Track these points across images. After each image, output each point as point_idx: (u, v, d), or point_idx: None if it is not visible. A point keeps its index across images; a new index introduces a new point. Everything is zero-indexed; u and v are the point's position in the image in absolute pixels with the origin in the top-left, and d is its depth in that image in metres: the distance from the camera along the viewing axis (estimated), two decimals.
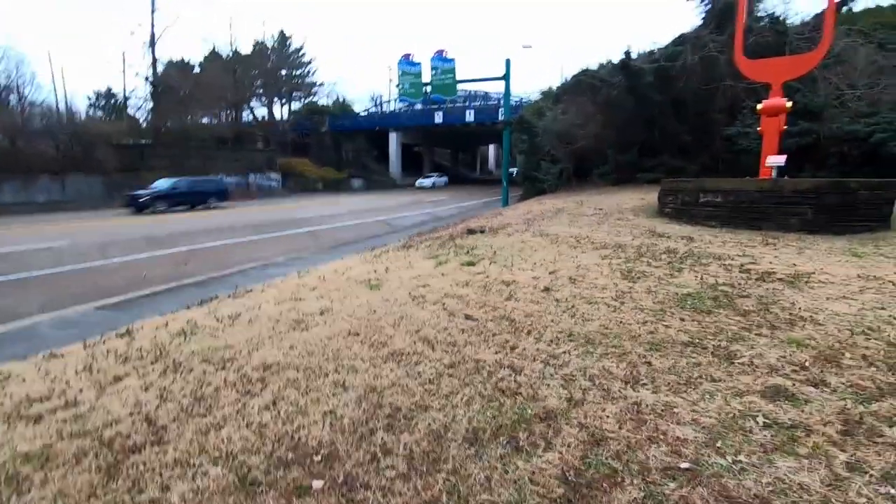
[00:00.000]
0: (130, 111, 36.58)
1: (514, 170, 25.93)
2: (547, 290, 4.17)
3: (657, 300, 3.80)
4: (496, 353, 2.95)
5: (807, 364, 2.73)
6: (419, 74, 20.95)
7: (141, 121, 35.51)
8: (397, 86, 21.57)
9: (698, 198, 7.10)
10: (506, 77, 20.77)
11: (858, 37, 11.95)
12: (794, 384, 2.52)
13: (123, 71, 45.27)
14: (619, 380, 2.59)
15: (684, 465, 1.93)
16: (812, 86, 10.11)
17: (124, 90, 36.45)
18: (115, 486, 1.83)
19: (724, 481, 1.84)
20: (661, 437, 2.11)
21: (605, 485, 1.80)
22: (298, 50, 47.29)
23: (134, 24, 40.06)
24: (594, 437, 2.11)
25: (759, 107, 7.62)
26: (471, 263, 5.34)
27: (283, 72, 46.62)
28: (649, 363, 2.78)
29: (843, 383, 2.51)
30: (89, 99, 38.20)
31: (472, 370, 2.73)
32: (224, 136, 35.86)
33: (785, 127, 7.65)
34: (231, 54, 40.83)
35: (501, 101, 28.07)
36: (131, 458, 2.01)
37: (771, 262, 4.76)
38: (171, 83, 34.40)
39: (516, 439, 2.10)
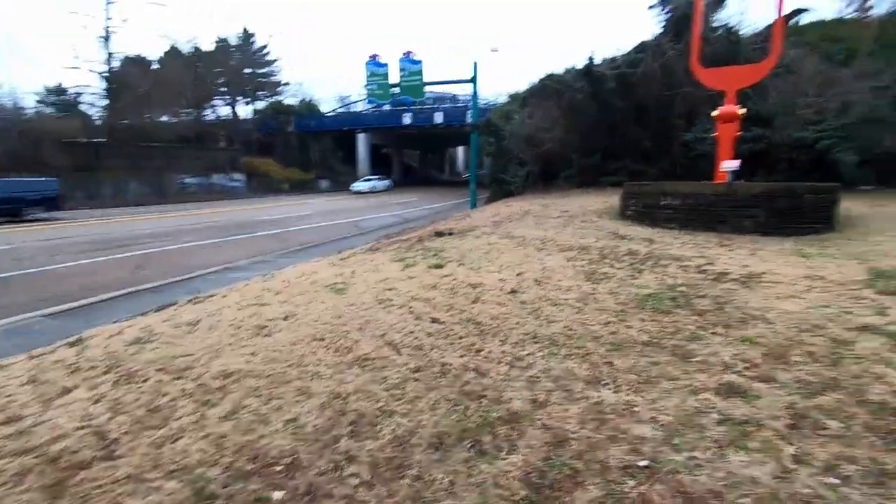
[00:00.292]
0: (84, 108, 34.94)
1: (483, 172, 26.15)
2: (513, 292, 4.21)
3: (619, 301, 3.90)
4: (462, 356, 2.96)
5: (758, 361, 2.85)
6: (386, 75, 20.85)
7: (96, 118, 33.92)
8: (365, 87, 21.40)
9: (658, 201, 7.34)
10: (473, 80, 20.91)
11: (806, 48, 12.62)
12: (746, 381, 2.63)
13: (76, 67, 43.13)
14: (582, 380, 2.64)
15: (643, 462, 1.98)
16: (764, 94, 10.60)
17: (78, 86, 34.79)
18: None
19: (680, 477, 1.90)
20: (622, 436, 2.16)
21: (567, 485, 1.83)
22: (263, 48, 46.31)
23: (87, 17, 37.87)
24: (557, 437, 2.15)
25: (714, 113, 7.94)
26: (438, 266, 5.34)
27: (248, 70, 45.53)
28: (611, 363, 2.84)
29: (791, 379, 2.64)
30: (39, 95, 36.26)
31: (438, 374, 2.73)
32: (185, 135, 34.69)
33: (739, 133, 7.99)
34: (192, 51, 39.60)
35: (470, 104, 28.25)
36: (79, 474, 1.91)
37: (726, 263, 4.96)
38: (128, 80, 33.02)
39: (481, 443, 2.11)
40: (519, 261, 5.32)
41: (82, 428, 2.25)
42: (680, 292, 4.06)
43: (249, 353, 3.08)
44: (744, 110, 7.80)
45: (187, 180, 31.71)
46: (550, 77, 14.53)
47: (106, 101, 33.39)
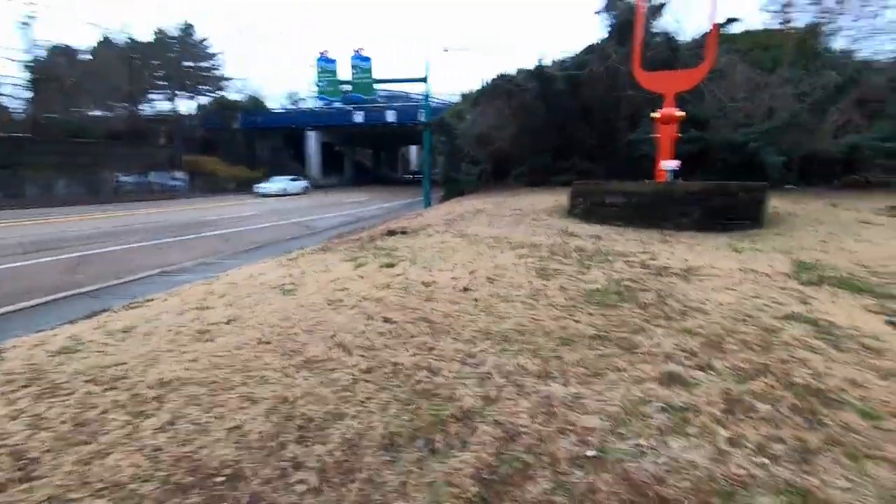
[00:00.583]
0: (3, 101, 32.09)
1: (436, 170, 26.18)
2: (466, 290, 4.23)
3: (568, 297, 3.99)
4: (414, 355, 2.93)
5: (696, 350, 2.99)
6: (336, 72, 20.48)
7: (18, 112, 31.25)
8: (316, 83, 20.92)
9: (604, 199, 7.61)
10: (425, 79, 20.91)
11: (737, 55, 13.44)
12: (685, 369, 2.76)
13: None
14: (533, 375, 2.68)
15: (591, 453, 2.03)
16: (700, 98, 11.20)
17: None
18: None
19: (626, 465, 1.96)
20: (571, 427, 2.21)
21: (517, 479, 1.84)
22: (204, 40, 44.27)
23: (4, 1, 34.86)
24: (508, 433, 2.16)
25: (654, 115, 8.31)
26: (390, 265, 5.29)
27: (189, 63, 43.40)
28: (560, 357, 2.90)
29: (726, 366, 2.79)
30: None
31: (390, 374, 2.69)
32: (121, 130, 32.59)
33: (678, 134, 8.40)
34: (128, 41, 37.27)
35: (423, 103, 28.25)
36: None
37: (667, 258, 5.20)
38: (55, 71, 30.65)
39: (432, 441, 2.09)
40: (471, 259, 5.35)
41: None
42: (625, 287, 4.22)
43: (190, 359, 2.92)
44: (682, 113, 8.21)
45: (123, 179, 29.86)
46: (502, 77, 14.73)
47: (29, 94, 30.85)
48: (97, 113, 35.09)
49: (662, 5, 13.82)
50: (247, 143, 40.80)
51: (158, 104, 41.27)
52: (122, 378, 2.69)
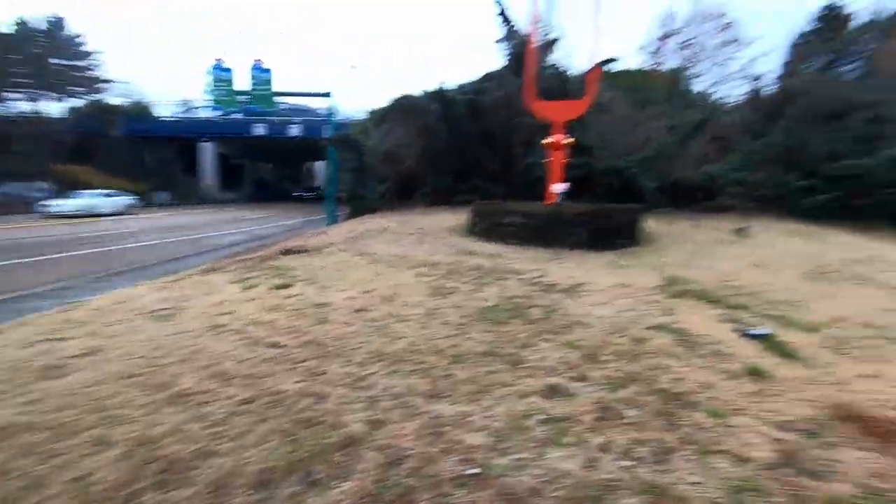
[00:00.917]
0: None
1: (342, 187, 25.66)
2: (361, 310, 4.15)
3: (463, 314, 4.08)
4: (300, 381, 2.80)
5: (577, 363, 3.19)
6: (232, 82, 19.45)
7: None
8: (209, 92, 19.65)
9: (502, 219, 7.97)
10: (329, 94, 20.59)
11: (618, 91, 14.97)
12: (566, 381, 2.92)
13: None
14: (422, 395, 2.68)
15: (473, 470, 2.06)
16: (587, 128, 12.23)
17: None
18: None
19: (506, 479, 2.02)
20: (456, 446, 2.22)
21: None
22: (78, 37, 39.73)
23: None
24: (393, 457, 2.13)
25: (545, 141, 8.94)
26: (285, 286, 5.05)
27: (60, 61, 38.58)
28: (451, 376, 2.93)
29: (601, 376, 3.00)
30: None
31: (272, 403, 2.53)
32: None
33: (567, 160, 9.08)
34: None
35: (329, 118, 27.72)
36: None
37: (556, 276, 5.54)
38: None
39: (312, 473, 1.99)
40: (370, 278, 5.29)
41: None
42: (516, 303, 4.41)
43: (29, 401, 2.52)
44: (570, 140, 8.90)
45: None
46: (406, 98, 14.95)
47: None
48: None
49: (555, 41, 15.01)
50: (131, 153, 36.86)
51: (22, 104, 36.07)
52: None
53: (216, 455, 2.07)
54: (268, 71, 19.53)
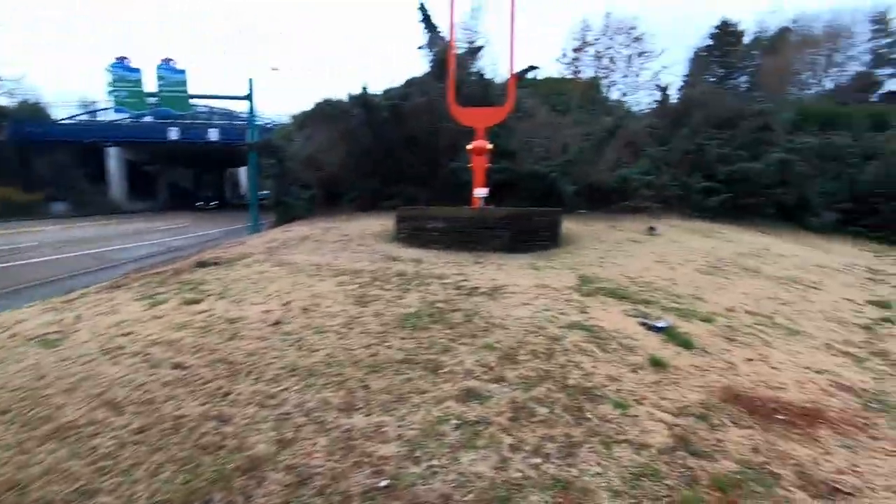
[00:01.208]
0: None
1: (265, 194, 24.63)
2: (276, 323, 3.97)
3: (383, 322, 4.02)
4: (204, 404, 2.62)
5: (494, 364, 3.25)
6: (139, 82, 18.07)
7: None
8: (110, 93, 18.10)
9: (426, 224, 7.98)
10: (249, 97, 19.71)
11: (539, 98, 15.58)
12: (482, 384, 2.97)
13: None
14: (336, 409, 2.61)
15: (384, 483, 2.03)
16: (509, 133, 12.61)
17: None
18: None
19: (416, 489, 2.00)
20: (367, 460, 2.18)
21: None
22: None
23: None
24: (300, 477, 2.04)
25: (468, 147, 9.10)
26: (195, 301, 4.72)
27: None
28: (367, 386, 2.88)
29: (516, 377, 3.08)
30: None
31: (169, 430, 2.35)
32: None
33: (489, 165, 9.29)
34: None
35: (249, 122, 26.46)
36: None
37: (478, 279, 5.62)
38: None
39: (211, 502, 1.87)
40: (288, 289, 5.08)
41: None
42: (438, 308, 4.42)
43: None
44: (491, 146, 9.12)
45: None
46: (328, 102, 14.59)
47: None
48: None
49: (480, 48, 15.36)
50: (21, 159, 32.87)
51: None
52: None
53: (99, 493, 1.88)
54: (182, 72, 18.36)
